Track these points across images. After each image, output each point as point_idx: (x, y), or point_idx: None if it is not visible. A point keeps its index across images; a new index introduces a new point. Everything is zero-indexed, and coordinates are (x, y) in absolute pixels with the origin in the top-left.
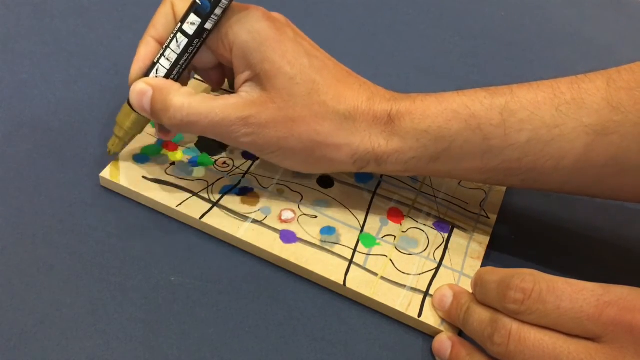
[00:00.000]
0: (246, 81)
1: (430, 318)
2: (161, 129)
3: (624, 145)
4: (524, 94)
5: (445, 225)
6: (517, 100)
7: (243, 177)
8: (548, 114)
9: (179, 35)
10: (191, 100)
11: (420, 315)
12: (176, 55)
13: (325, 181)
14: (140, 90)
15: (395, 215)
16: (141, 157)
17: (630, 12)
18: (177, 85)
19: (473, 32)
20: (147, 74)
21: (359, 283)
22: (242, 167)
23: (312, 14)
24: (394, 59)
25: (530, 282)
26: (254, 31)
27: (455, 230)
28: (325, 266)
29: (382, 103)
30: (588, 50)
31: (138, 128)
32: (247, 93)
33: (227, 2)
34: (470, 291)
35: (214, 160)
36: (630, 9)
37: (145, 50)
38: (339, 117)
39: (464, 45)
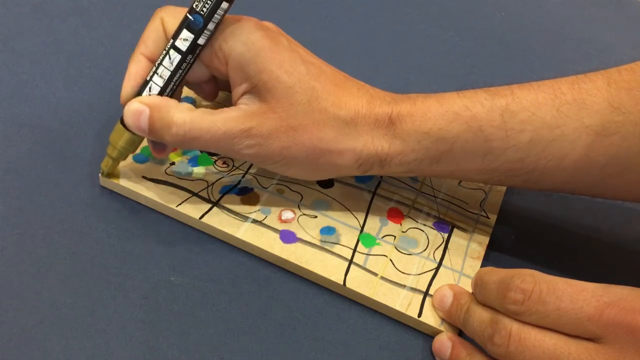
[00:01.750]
0: (244, 93)
1: (430, 318)
2: (156, 146)
3: (625, 145)
4: (524, 95)
5: (445, 225)
6: (518, 101)
7: (243, 177)
8: (549, 114)
9: (172, 51)
10: (192, 116)
11: (420, 315)
12: (169, 72)
13: (325, 181)
14: (136, 109)
15: (395, 215)
16: (141, 157)
17: (630, 12)
18: (174, 101)
19: (473, 32)
20: (139, 92)
21: (358, 283)
22: (242, 167)
23: (312, 15)
24: (394, 59)
25: (530, 282)
26: (248, 42)
27: (455, 230)
28: (325, 266)
29: (382, 106)
30: (588, 50)
31: (132, 147)
32: (246, 105)
33: (219, 17)
34: (471, 291)
35: (213, 160)
36: (630, 9)
37: (136, 68)
38: (341, 123)
39: (464, 45)
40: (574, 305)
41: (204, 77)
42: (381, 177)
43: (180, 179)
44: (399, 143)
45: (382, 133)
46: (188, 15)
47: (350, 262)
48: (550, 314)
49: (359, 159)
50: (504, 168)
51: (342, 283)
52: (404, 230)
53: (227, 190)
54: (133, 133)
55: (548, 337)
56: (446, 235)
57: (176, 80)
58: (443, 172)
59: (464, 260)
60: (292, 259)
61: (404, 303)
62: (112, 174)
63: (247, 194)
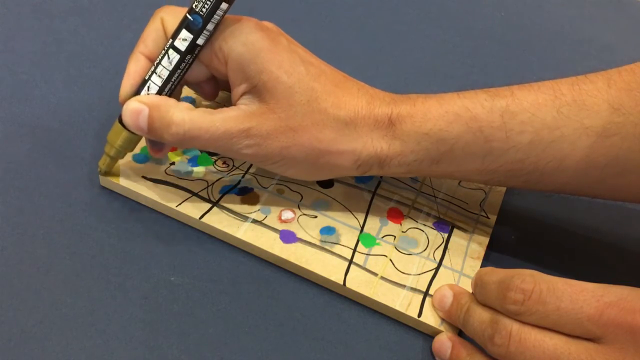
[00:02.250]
0: (244, 93)
1: (430, 318)
2: (153, 146)
3: (625, 146)
4: (524, 96)
5: (445, 225)
6: (518, 102)
7: (243, 177)
8: (549, 115)
9: (171, 51)
10: (191, 115)
11: (420, 315)
12: (168, 72)
13: (325, 181)
14: (135, 109)
15: (395, 215)
16: (141, 157)
17: (630, 12)
18: (173, 100)
19: (473, 32)
20: (138, 91)
21: (358, 283)
22: (242, 167)
23: (312, 15)
24: (394, 59)
25: (530, 282)
26: (248, 43)
27: (455, 231)
28: (325, 266)
29: (382, 106)
30: (588, 50)
31: (130, 146)
32: (246, 105)
33: (219, 17)
34: (471, 291)
35: (213, 160)
36: (630, 9)
37: (135, 67)
38: (340, 124)
39: (464, 45)
40: (574, 305)
41: (204, 77)
42: (381, 177)
43: (180, 178)
44: (399, 144)
45: (381, 134)
46: (187, 15)
47: (350, 262)
48: (550, 314)
49: (357, 160)
50: (504, 169)
51: (342, 283)
52: (404, 230)
53: (227, 190)
54: (131, 132)
55: (548, 337)
56: (446, 235)
57: (175, 80)
58: (443, 173)
59: (464, 260)
60: (292, 259)
61: (404, 303)
62: (110, 173)
63: (247, 194)
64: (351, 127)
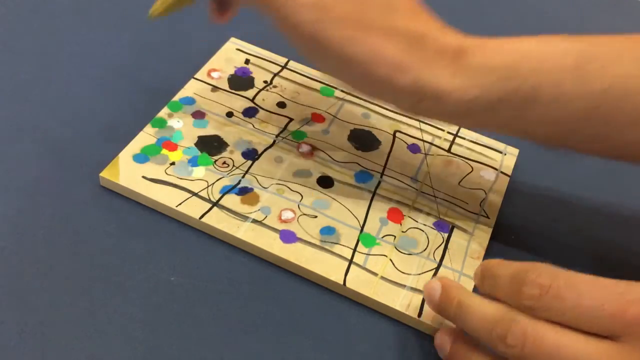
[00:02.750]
0: None
1: (430, 318)
2: (219, 7)
3: None
4: (603, 42)
5: (445, 225)
6: (596, 47)
7: (243, 177)
8: (628, 63)
9: None
10: None
11: (420, 315)
12: None
13: (325, 181)
14: None
15: (395, 215)
16: (141, 157)
17: (630, 12)
18: None
19: (473, 32)
20: None
21: (359, 283)
22: (242, 167)
23: None
24: None
25: (547, 277)
26: None
27: (455, 230)
28: (325, 266)
29: (454, 36)
30: None
31: (184, 2)
32: None
33: None
34: (470, 290)
35: (213, 160)
36: (630, 9)
37: None
38: (409, 39)
39: None
40: (595, 302)
41: None
42: (381, 176)
43: (180, 179)
44: (462, 77)
45: (446, 62)
46: None
47: (350, 262)
48: (567, 311)
49: (417, 82)
50: (572, 118)
51: (342, 283)
52: (404, 230)
53: (227, 190)
54: None
55: (566, 337)
56: (446, 235)
57: None
58: (502, 119)
59: (464, 260)
60: (292, 259)
61: (404, 303)
62: (156, 17)
63: (247, 194)
64: (419, 46)
